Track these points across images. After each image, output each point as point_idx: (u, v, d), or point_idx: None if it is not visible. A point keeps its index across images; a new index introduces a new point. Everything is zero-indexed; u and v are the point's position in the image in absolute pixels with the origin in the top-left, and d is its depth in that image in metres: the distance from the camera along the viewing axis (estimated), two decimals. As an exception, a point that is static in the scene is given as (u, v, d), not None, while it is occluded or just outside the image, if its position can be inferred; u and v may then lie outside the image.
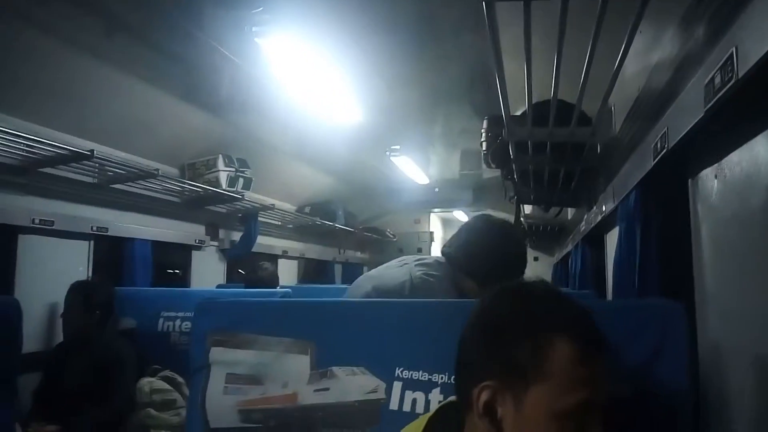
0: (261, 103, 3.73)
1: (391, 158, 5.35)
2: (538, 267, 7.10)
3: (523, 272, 1.63)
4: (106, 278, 2.93)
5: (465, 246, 1.62)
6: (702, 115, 1.18)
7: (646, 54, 1.83)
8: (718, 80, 1.08)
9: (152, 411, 2.36)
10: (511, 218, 4.74)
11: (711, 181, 1.43)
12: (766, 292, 1.14)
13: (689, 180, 1.60)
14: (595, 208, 3.08)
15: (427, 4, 2.74)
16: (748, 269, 1.24)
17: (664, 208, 1.83)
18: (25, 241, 2.82)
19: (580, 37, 1.35)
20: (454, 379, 0.85)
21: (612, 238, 2.71)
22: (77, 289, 2.56)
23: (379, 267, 1.71)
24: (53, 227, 2.91)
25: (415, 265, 1.59)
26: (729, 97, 1.06)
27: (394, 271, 1.61)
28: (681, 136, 1.36)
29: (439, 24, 2.92)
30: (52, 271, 2.92)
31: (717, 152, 1.36)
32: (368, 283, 1.63)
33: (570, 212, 4.95)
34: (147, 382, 2.42)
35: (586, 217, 3.50)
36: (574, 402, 0.72)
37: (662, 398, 1.06)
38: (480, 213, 1.82)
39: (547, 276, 6.54)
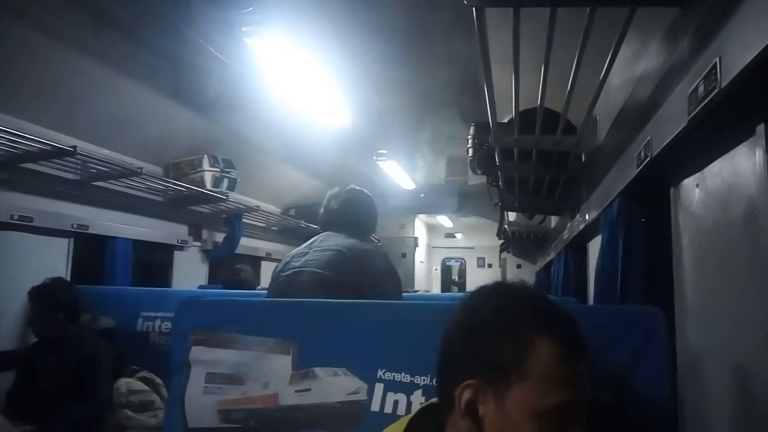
0: (248, 103, 3.71)
1: (378, 162, 5.35)
2: (520, 274, 7.15)
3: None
4: (63, 278, 2.72)
5: (348, 213, 1.87)
6: (685, 124, 1.20)
7: (632, 64, 1.86)
8: (701, 90, 1.10)
9: (129, 412, 2.31)
10: (494, 226, 4.77)
11: (693, 190, 1.45)
12: (744, 300, 1.16)
13: (671, 189, 1.62)
14: (578, 216, 3.11)
15: (417, 9, 2.75)
16: (727, 277, 1.26)
17: (646, 216, 1.85)
18: (2, 237, 2.76)
19: (567, 47, 1.37)
20: (436, 379, 0.85)
21: (594, 247, 2.74)
22: (34, 296, 2.40)
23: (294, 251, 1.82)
24: (32, 224, 2.85)
25: (335, 241, 1.76)
26: (712, 106, 1.08)
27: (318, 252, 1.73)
28: (664, 144, 1.38)
29: (429, 29, 2.94)
30: (30, 269, 2.86)
31: (699, 162, 1.39)
32: (296, 261, 1.74)
33: (553, 220, 4.98)
34: (124, 383, 2.37)
35: (569, 225, 3.53)
36: (555, 402, 0.73)
37: (642, 402, 1.07)
38: (339, 188, 1.96)
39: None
